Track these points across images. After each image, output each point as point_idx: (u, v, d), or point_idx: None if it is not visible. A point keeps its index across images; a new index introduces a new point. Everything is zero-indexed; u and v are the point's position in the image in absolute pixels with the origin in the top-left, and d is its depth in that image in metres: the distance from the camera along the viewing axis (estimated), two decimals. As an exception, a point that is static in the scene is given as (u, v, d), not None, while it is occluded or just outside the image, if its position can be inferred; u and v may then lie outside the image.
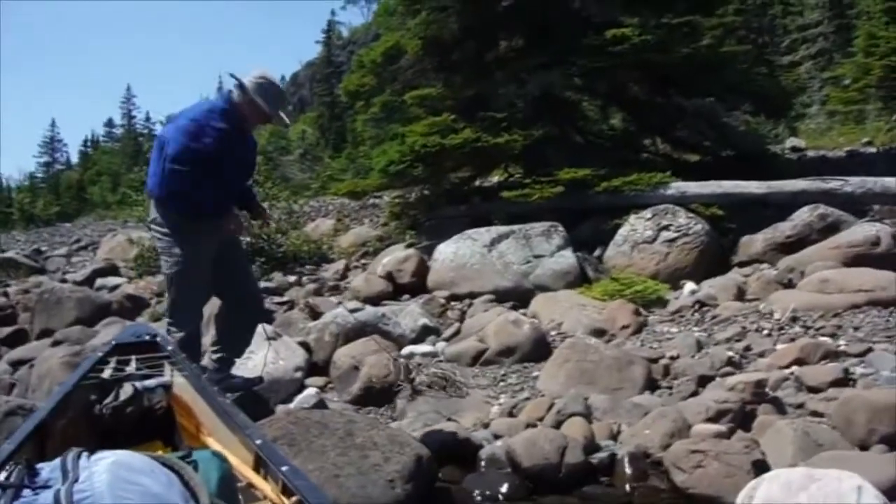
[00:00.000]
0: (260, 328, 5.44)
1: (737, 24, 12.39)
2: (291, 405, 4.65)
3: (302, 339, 5.60)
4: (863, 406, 3.27)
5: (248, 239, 9.56)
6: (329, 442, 3.22)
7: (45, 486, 1.32)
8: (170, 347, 2.84)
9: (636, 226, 7.04)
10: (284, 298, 7.95)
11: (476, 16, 8.75)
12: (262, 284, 8.49)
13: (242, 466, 2.15)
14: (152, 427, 2.39)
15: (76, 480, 1.31)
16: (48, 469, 1.38)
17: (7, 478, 1.35)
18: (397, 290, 7.44)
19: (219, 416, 2.45)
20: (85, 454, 1.43)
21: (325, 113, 31.18)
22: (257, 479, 2.10)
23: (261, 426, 2.97)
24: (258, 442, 2.14)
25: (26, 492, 1.31)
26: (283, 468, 1.95)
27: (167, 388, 2.48)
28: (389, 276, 7.55)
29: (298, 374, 5.11)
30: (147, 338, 2.92)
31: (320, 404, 4.48)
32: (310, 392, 4.88)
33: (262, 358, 5.19)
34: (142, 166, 13.61)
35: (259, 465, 2.16)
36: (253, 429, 2.27)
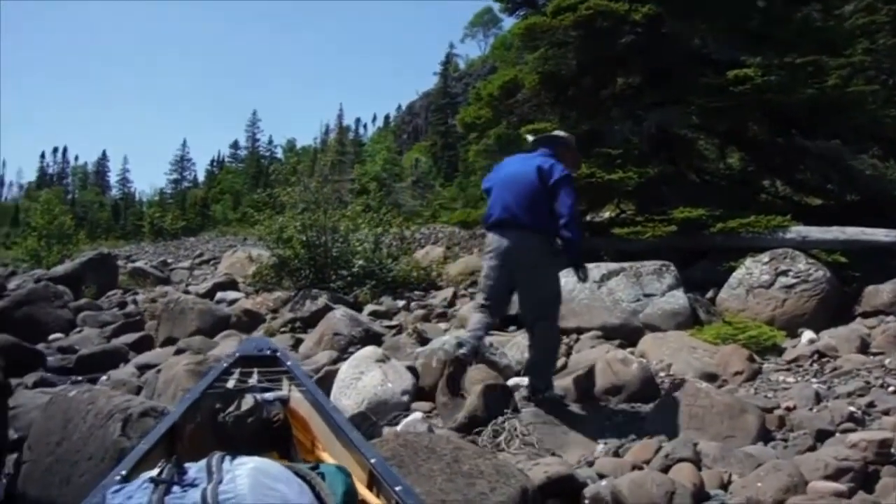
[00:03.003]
0: (371, 351, 5.63)
1: (866, 64, 11.90)
2: (398, 428, 4.76)
3: (409, 364, 5.71)
4: None
5: (361, 262, 9.86)
6: (436, 467, 3.29)
7: (192, 485, 1.45)
8: (289, 363, 2.98)
9: (752, 269, 6.85)
10: (393, 322, 8.14)
11: (594, 53, 8.79)
12: (372, 307, 8.74)
13: (357, 483, 2.24)
14: (270, 438, 2.52)
15: (220, 482, 1.43)
16: (195, 469, 1.51)
17: (159, 474, 1.48)
18: (505, 321, 7.48)
19: (334, 432, 2.56)
20: (228, 457, 1.55)
21: (439, 142, 31.78)
22: (371, 497, 2.18)
23: (376, 446, 3.06)
24: (373, 460, 2.23)
25: (175, 488, 1.44)
26: (397, 487, 2.03)
27: (285, 401, 2.60)
28: (497, 307, 7.60)
29: (405, 398, 5.22)
30: (268, 352, 3.09)
31: (428, 430, 4.56)
32: (416, 416, 4.97)
33: (371, 378, 5.36)
34: (263, 187, 14.25)
35: (372, 483, 2.25)
36: (367, 446, 2.36)
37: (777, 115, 8.70)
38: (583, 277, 4.96)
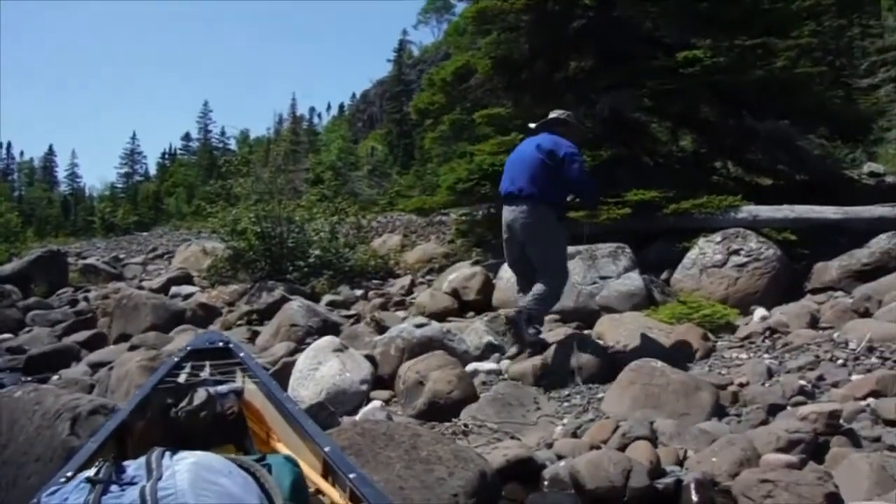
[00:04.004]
0: (329, 341, 5.61)
1: (813, 45, 12.10)
2: (357, 417, 4.73)
3: (368, 353, 5.69)
4: (943, 441, 3.17)
5: (318, 252, 9.78)
6: (394, 454, 3.27)
7: (131, 483, 1.40)
8: (242, 355, 2.93)
9: (705, 249, 6.94)
10: (351, 312, 8.10)
11: (546, 37, 8.78)
12: (329, 297, 8.68)
13: (311, 472, 2.21)
14: (225, 431, 2.47)
15: (160, 478, 1.38)
16: (133, 466, 1.47)
17: (96, 473, 1.43)
18: (462, 307, 7.51)
19: (288, 423, 2.53)
20: (168, 453, 1.51)
21: (394, 130, 31.63)
22: (325, 486, 2.16)
23: (331, 436, 3.03)
24: (327, 449, 2.20)
25: (114, 487, 1.40)
26: (351, 475, 2.00)
27: (239, 393, 2.56)
28: (455, 293, 7.62)
29: (364, 387, 5.20)
30: (220, 344, 3.03)
31: (386, 417, 4.54)
32: (375, 405, 4.96)
33: (329, 368, 5.32)
34: (216, 179, 14.01)
35: (327, 472, 2.22)
36: (322, 436, 2.34)
37: (727, 97, 8.81)
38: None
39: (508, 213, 5.39)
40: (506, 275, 7.30)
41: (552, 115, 5.66)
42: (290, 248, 9.83)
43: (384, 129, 34.53)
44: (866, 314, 5.56)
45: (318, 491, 2.15)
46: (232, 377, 2.75)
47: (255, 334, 7.39)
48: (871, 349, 4.79)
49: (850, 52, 24.55)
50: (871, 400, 3.97)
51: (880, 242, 6.47)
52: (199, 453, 1.48)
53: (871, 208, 7.08)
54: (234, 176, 11.25)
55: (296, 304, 7.37)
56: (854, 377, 4.40)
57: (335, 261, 9.81)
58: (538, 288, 5.32)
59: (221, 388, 2.54)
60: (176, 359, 2.85)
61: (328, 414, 4.71)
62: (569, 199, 5.54)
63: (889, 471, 3.09)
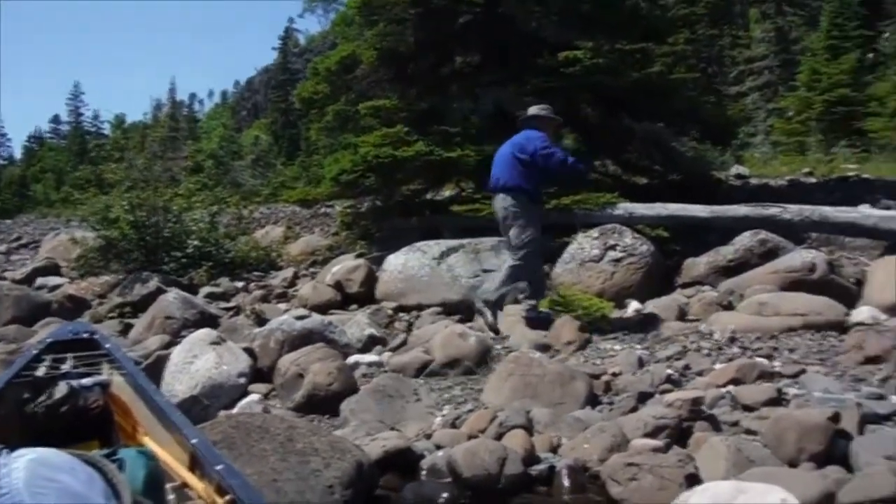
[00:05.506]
0: (205, 334, 5.45)
1: (687, 52, 12.71)
2: (234, 411, 4.62)
3: (247, 346, 5.56)
4: (793, 425, 3.38)
5: (197, 242, 9.46)
6: (269, 447, 3.20)
7: None
8: (108, 346, 2.78)
9: (584, 244, 7.14)
10: (230, 304, 7.87)
11: (433, 30, 8.81)
12: (208, 289, 8.41)
13: (178, 465, 2.13)
14: (89, 427, 2.35)
15: None
16: None
17: None
18: (345, 299, 7.44)
19: (156, 416, 2.43)
20: (6, 451, 1.41)
21: (279, 119, 30.98)
22: (192, 479, 2.08)
23: (200, 428, 2.94)
24: (194, 441, 2.13)
25: None
26: (218, 467, 1.94)
27: (105, 386, 2.43)
28: (338, 286, 7.54)
29: (242, 380, 5.08)
30: (85, 335, 2.87)
31: (263, 410, 4.45)
32: (253, 398, 4.85)
33: (205, 362, 5.15)
34: (88, 165, 13.30)
35: (195, 465, 2.15)
36: (189, 428, 2.25)
37: (606, 98, 9.09)
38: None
39: (494, 203, 6.06)
40: (389, 267, 7.29)
41: (529, 112, 6.22)
42: (166, 239, 9.44)
43: (269, 118, 33.76)
44: (729, 307, 5.88)
45: (185, 484, 2.08)
46: (97, 370, 2.61)
47: (128, 327, 7.07)
48: (732, 340, 5.08)
49: (721, 61, 25.98)
50: (731, 387, 4.19)
51: (744, 240, 6.83)
52: (38, 450, 1.38)
53: (736, 207, 7.47)
54: (107, 162, 10.70)
55: (171, 296, 7.10)
56: (717, 366, 4.64)
57: (215, 252, 9.51)
58: (504, 269, 5.95)
59: (85, 382, 2.40)
60: (35, 351, 2.67)
61: (202, 407, 4.58)
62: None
63: (745, 452, 3.27)
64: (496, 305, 5.94)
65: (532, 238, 5.89)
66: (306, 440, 3.30)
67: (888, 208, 7.66)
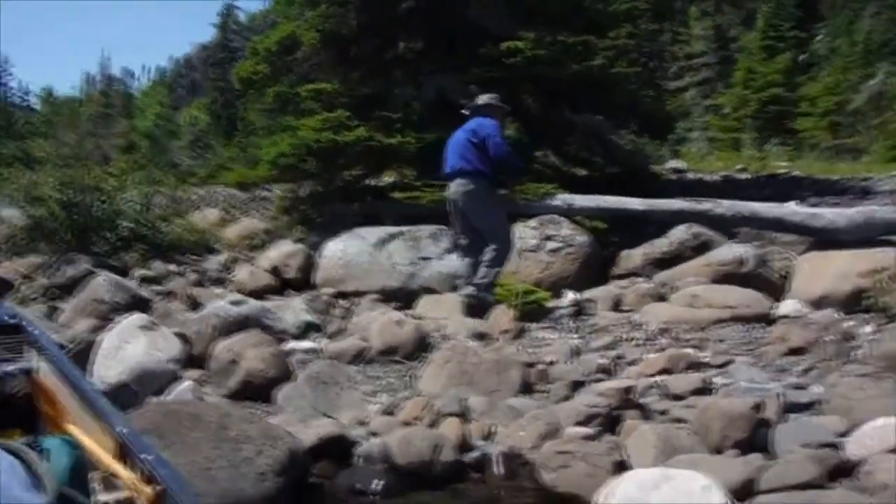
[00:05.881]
0: (137, 319, 5.34)
1: (629, 47, 12.90)
2: (165, 398, 4.53)
3: (180, 331, 5.45)
4: (719, 414, 3.49)
5: (129, 224, 9.21)
6: (202, 434, 3.16)
7: None
8: (35, 331, 2.69)
9: (523, 234, 7.19)
10: (164, 288, 7.69)
11: (376, 14, 8.71)
12: (141, 272, 8.20)
13: (105, 455, 2.08)
14: (12, 415, 2.27)
15: None
16: None
17: None
18: (283, 285, 7.36)
19: (83, 404, 2.36)
20: None
21: (218, 99, 30.25)
22: (119, 468, 2.03)
23: (129, 416, 2.88)
24: (121, 430, 2.08)
25: None
26: (148, 456, 1.90)
27: (29, 373, 2.36)
28: (275, 271, 7.45)
29: (174, 367, 4.99)
30: (7, 319, 2.77)
31: (196, 397, 4.38)
32: (185, 385, 4.76)
33: (136, 347, 5.04)
34: (14, 140, 12.79)
35: (122, 454, 2.09)
36: (117, 416, 2.20)
37: (547, 89, 9.16)
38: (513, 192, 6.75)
39: (450, 190, 6.09)
40: (328, 253, 7.23)
41: (479, 101, 6.36)
42: (97, 219, 9.14)
43: (208, 97, 33.00)
44: (663, 299, 6.02)
45: (112, 474, 2.03)
46: (21, 356, 2.52)
47: (56, 311, 6.85)
48: (664, 331, 5.21)
49: (662, 56, 26.45)
50: (661, 376, 4.31)
51: (678, 233, 6.97)
52: None
53: (671, 201, 7.62)
54: (35, 137, 10.31)
55: (102, 279, 6.89)
56: (648, 356, 4.75)
57: (148, 234, 9.23)
58: (486, 255, 5.98)
59: (8, 368, 2.32)
60: None
61: (132, 394, 4.48)
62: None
63: (672, 440, 3.37)
64: (487, 290, 5.96)
65: (503, 219, 6.11)
66: (239, 427, 3.27)
67: (815, 206, 7.94)
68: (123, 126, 25.06)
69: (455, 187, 6.03)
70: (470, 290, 5.98)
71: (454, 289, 6.67)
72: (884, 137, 19.00)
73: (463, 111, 6.47)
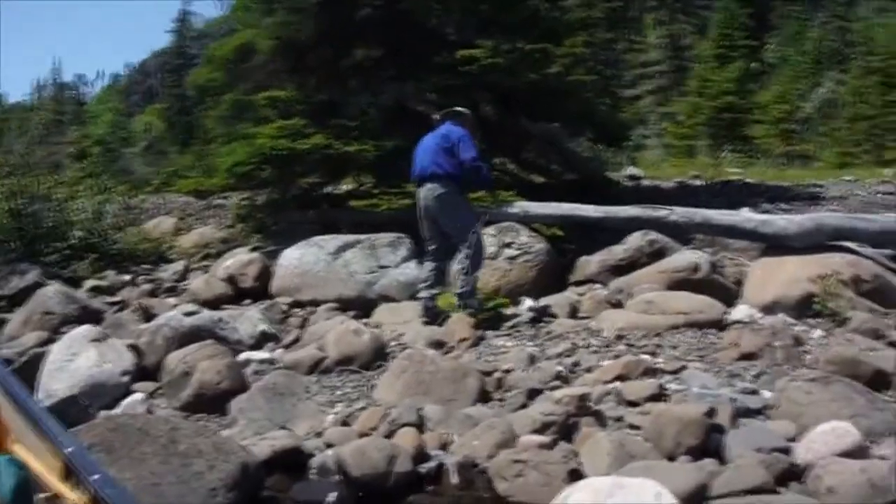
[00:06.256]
0: (87, 330, 5.23)
1: (586, 55, 13.00)
2: (115, 411, 4.44)
3: (132, 342, 5.36)
4: (672, 420, 3.52)
5: (80, 233, 9.04)
6: (150, 449, 3.09)
7: None
8: None
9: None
10: (116, 298, 7.55)
11: (333, 22, 8.67)
12: (93, 283, 8.04)
13: (50, 475, 2.02)
14: None
15: None
16: None
17: None
18: (239, 294, 7.26)
19: (28, 421, 2.30)
20: None
21: (175, 106, 29.88)
22: (65, 489, 1.98)
23: (75, 432, 2.81)
24: (68, 449, 2.02)
25: None
26: (94, 477, 1.85)
27: None
28: (231, 280, 7.36)
29: (125, 379, 4.92)
30: None
31: (147, 411, 4.30)
32: (136, 397, 4.69)
33: (86, 360, 4.93)
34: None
35: (69, 474, 2.04)
36: (64, 435, 2.14)
37: (504, 97, 9.21)
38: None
39: (420, 194, 6.06)
40: (285, 261, 7.16)
41: (453, 109, 6.35)
42: (47, 229, 8.96)
43: (163, 104, 32.58)
44: (619, 305, 6.07)
45: (58, 495, 1.97)
46: None
47: (2, 323, 6.69)
48: (620, 337, 5.24)
49: (618, 65, 26.80)
50: (617, 383, 4.32)
51: (634, 240, 7.04)
52: None
53: (626, 208, 7.69)
54: (-17, 145, 10.06)
55: (51, 290, 6.75)
56: (604, 362, 4.77)
57: (100, 243, 9.08)
58: (460, 264, 5.99)
59: None
60: None
61: (81, 409, 4.38)
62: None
63: (626, 447, 3.39)
64: (471, 296, 5.94)
65: (472, 222, 6.05)
66: (190, 441, 3.20)
67: (767, 212, 8.09)
68: (75, 133, 24.53)
69: (426, 192, 5.99)
70: (427, 294, 6.02)
71: (412, 297, 6.65)
72: (833, 144, 19.52)
73: (434, 117, 6.51)
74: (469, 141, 5.98)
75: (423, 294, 6.06)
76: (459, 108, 6.39)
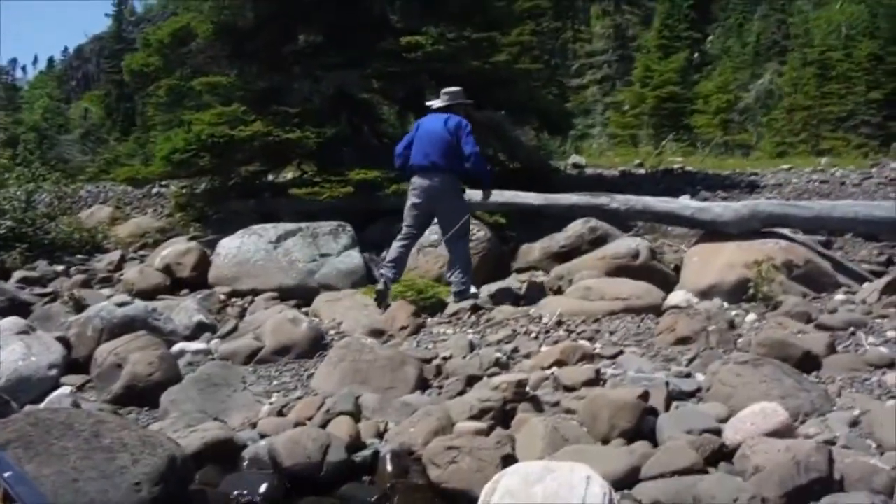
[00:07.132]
0: (12, 323, 5.05)
1: (532, 44, 13.02)
2: (41, 406, 4.30)
3: (61, 335, 5.19)
4: (606, 404, 3.54)
5: (9, 223, 8.74)
6: (72, 444, 2.99)
7: None
8: None
9: (422, 229, 7.17)
10: (47, 290, 7.30)
11: (274, 7, 8.51)
12: (23, 274, 7.78)
13: None
14: None
15: None
16: None
17: None
18: (176, 284, 7.09)
19: None
20: None
21: (114, 92, 29.12)
22: None
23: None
24: None
25: None
26: (6, 474, 1.78)
27: None
28: (168, 270, 7.18)
29: (53, 372, 4.76)
30: None
31: (73, 404, 4.16)
32: (63, 391, 4.55)
33: (10, 353, 4.76)
34: None
35: None
36: None
37: (448, 85, 9.13)
38: (488, 196, 6.51)
39: (422, 182, 5.97)
40: (223, 251, 7.01)
41: (444, 95, 6.29)
42: (-25, 218, 8.64)
43: (102, 90, 31.71)
44: (559, 291, 6.10)
45: None
46: None
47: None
48: (559, 323, 5.27)
49: (564, 54, 26.97)
50: (555, 369, 4.34)
51: (576, 227, 7.09)
52: None
53: (568, 196, 7.72)
54: None
55: (-23, 281, 6.51)
56: (543, 348, 4.79)
57: (31, 233, 8.78)
58: (454, 262, 6.05)
59: None
60: None
61: (3, 403, 4.21)
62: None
63: (561, 431, 3.40)
64: (467, 294, 5.96)
65: (467, 223, 6.14)
66: (115, 435, 3.10)
67: (705, 199, 8.22)
68: (5, 120, 23.70)
69: (431, 184, 5.92)
70: (391, 275, 6.02)
71: (353, 286, 6.59)
72: (770, 134, 19.97)
73: (428, 104, 6.46)
74: (470, 133, 5.96)
75: (385, 272, 6.02)
76: (454, 88, 6.36)
